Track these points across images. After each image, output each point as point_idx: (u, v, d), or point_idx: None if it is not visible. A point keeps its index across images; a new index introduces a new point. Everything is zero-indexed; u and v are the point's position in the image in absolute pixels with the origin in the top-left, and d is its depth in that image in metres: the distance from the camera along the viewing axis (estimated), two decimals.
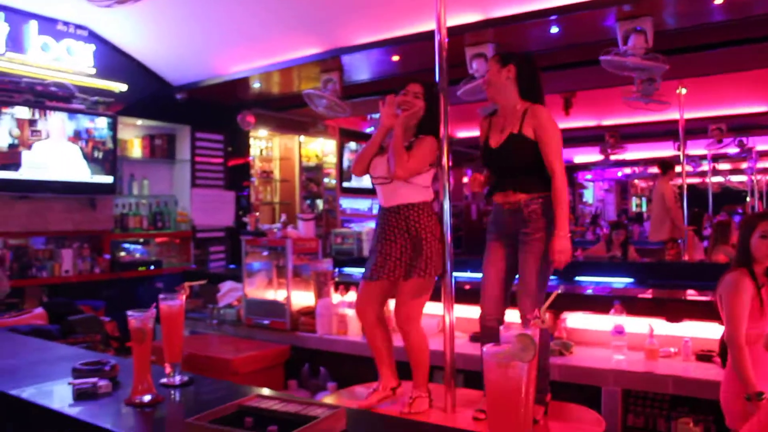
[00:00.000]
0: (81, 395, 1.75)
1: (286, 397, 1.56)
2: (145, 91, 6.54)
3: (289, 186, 8.84)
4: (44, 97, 5.57)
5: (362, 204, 9.79)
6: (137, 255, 6.71)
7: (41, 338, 3.04)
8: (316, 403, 1.54)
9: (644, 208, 16.96)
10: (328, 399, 3.48)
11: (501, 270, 3.08)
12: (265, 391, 1.65)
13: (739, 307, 2.74)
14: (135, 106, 6.45)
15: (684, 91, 6.96)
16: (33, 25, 5.47)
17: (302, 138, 8.82)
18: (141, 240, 6.84)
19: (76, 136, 5.75)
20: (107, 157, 5.99)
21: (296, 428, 1.33)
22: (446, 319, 3.02)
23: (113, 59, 6.20)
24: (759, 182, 12.40)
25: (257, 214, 7.58)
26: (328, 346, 4.74)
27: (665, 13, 4.48)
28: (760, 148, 11.07)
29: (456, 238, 9.81)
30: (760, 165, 12.03)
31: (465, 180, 12.21)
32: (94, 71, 5.95)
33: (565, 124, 8.53)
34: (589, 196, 16.88)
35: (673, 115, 7.17)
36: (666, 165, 7.37)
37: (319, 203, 9.19)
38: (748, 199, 12.88)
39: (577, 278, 5.14)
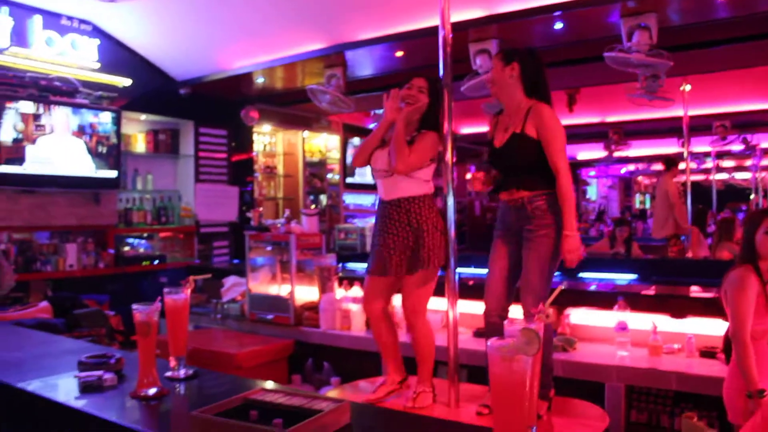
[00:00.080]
0: (86, 388, 1.76)
1: (290, 390, 1.57)
2: (148, 86, 6.54)
3: (293, 181, 8.84)
4: (48, 91, 5.57)
5: (366, 200, 9.79)
6: (141, 250, 6.73)
7: (46, 332, 3.05)
8: (321, 396, 1.54)
9: (648, 205, 16.92)
10: (332, 393, 3.49)
11: (505, 266, 3.08)
12: (270, 385, 1.65)
13: (744, 303, 2.74)
14: (139, 100, 6.46)
15: (688, 87, 6.94)
16: (37, 19, 5.47)
17: (306, 133, 8.82)
18: (145, 235, 6.85)
19: (80, 131, 5.76)
20: (111, 151, 6.00)
21: (301, 421, 1.33)
22: (450, 314, 3.02)
23: (117, 54, 6.20)
24: (763, 179, 12.35)
25: (261, 209, 7.60)
26: (332, 341, 4.75)
27: (670, 10, 4.46)
28: (764, 145, 11.03)
29: (459, 234, 9.81)
30: (765, 162, 11.98)
31: (468, 176, 12.20)
32: (98, 66, 5.95)
33: (568, 120, 8.53)
34: (592, 192, 16.85)
35: (677, 111, 7.15)
36: (670, 162, 7.35)
37: (323, 199, 9.19)
38: (752, 196, 12.83)
39: (581, 274, 5.14)
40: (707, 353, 3.71)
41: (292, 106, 7.99)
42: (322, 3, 5.15)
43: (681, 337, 3.86)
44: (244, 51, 6.09)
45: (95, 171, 5.87)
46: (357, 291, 4.84)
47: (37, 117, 5.43)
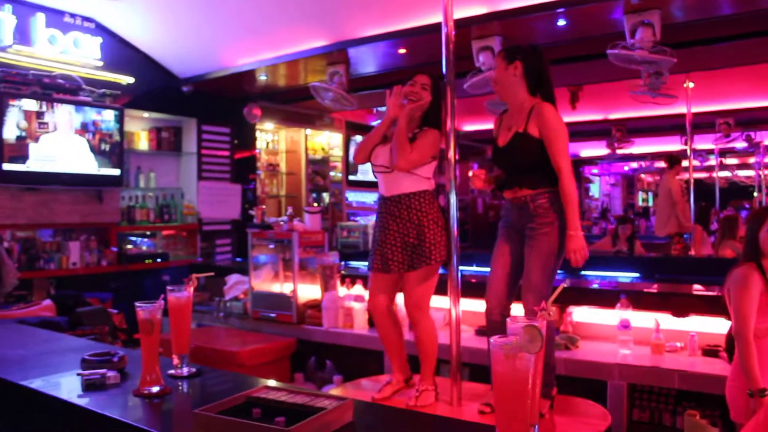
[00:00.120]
0: (90, 386, 1.76)
1: (293, 388, 1.57)
2: (151, 84, 6.55)
3: (296, 179, 8.85)
4: (51, 89, 5.58)
5: (368, 197, 9.79)
6: (144, 248, 6.74)
7: (50, 330, 3.05)
8: (324, 394, 1.54)
9: (650, 203, 16.90)
10: (335, 392, 3.49)
11: (507, 264, 3.07)
12: (273, 383, 1.65)
13: (748, 301, 2.73)
14: (142, 98, 6.47)
15: (691, 84, 6.92)
16: (40, 17, 5.48)
17: (308, 131, 8.82)
18: (148, 233, 6.86)
19: (83, 129, 5.76)
20: (114, 149, 6.01)
21: (303, 419, 1.33)
22: (452, 312, 3.02)
23: (120, 52, 6.21)
24: (766, 177, 12.32)
25: (263, 207, 7.59)
26: (335, 339, 4.75)
27: (673, 6, 4.45)
28: None
29: (462, 231, 9.81)
30: None
31: (470, 174, 12.17)
32: (101, 64, 5.96)
33: (571, 118, 8.51)
34: (595, 190, 16.84)
35: (680, 109, 7.13)
36: (673, 159, 7.34)
37: (326, 196, 9.20)
38: (755, 193, 12.81)
39: (583, 272, 5.14)
40: (710, 351, 3.70)
41: (294, 104, 7.99)
42: (325, 0, 5.15)
43: (683, 335, 3.85)
44: (247, 48, 6.09)
45: (98, 169, 5.88)
46: (359, 289, 4.85)
47: (40, 115, 5.44)
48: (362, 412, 1.54)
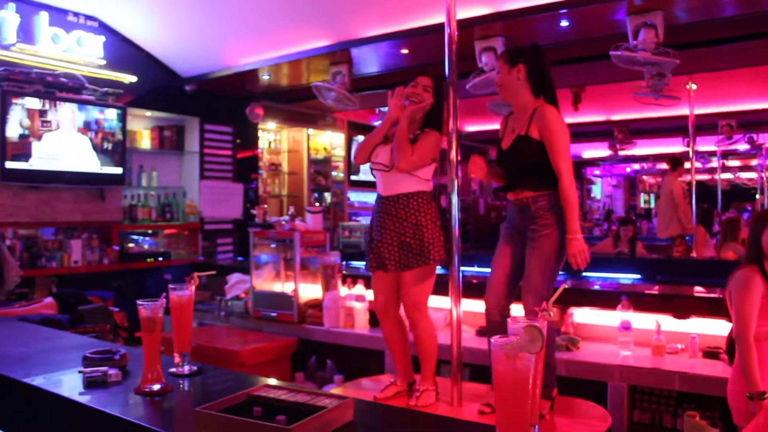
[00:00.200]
0: (91, 383, 1.76)
1: (294, 387, 1.57)
2: (154, 83, 6.56)
3: (298, 179, 8.85)
4: (54, 88, 5.59)
5: (370, 197, 9.78)
6: (146, 246, 6.75)
7: (51, 327, 3.06)
8: (324, 393, 1.55)
9: (652, 204, 16.89)
10: (335, 391, 3.49)
11: (507, 265, 3.07)
12: (274, 382, 1.66)
13: (749, 304, 2.73)
14: (144, 97, 6.47)
15: (694, 86, 6.91)
16: (44, 16, 5.49)
17: (311, 131, 8.83)
18: (149, 231, 6.87)
19: (86, 127, 5.77)
20: (116, 148, 6.02)
21: (304, 418, 1.34)
22: (453, 313, 3.02)
23: (123, 50, 6.22)
24: None
25: (265, 206, 7.61)
26: (335, 338, 4.76)
27: (676, 8, 4.45)
28: None
29: (464, 232, 9.81)
30: None
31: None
32: (104, 62, 5.97)
33: (573, 119, 8.51)
34: (597, 191, 16.82)
35: (682, 110, 7.12)
36: (675, 161, 7.33)
37: (327, 196, 9.20)
38: (757, 196, 12.79)
39: (585, 274, 5.13)
40: (710, 353, 3.70)
41: (297, 103, 8.00)
42: (327, 0, 5.15)
43: (684, 337, 3.85)
44: (250, 48, 6.10)
45: (100, 167, 5.88)
46: (361, 289, 4.85)
47: (43, 113, 5.45)
48: (363, 411, 1.54)
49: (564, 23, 4.76)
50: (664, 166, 9.93)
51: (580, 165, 14.64)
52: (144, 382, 1.72)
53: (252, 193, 7.74)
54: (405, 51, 5.64)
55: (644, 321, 3.96)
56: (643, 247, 7.08)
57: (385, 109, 3.22)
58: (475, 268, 5.58)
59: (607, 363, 3.67)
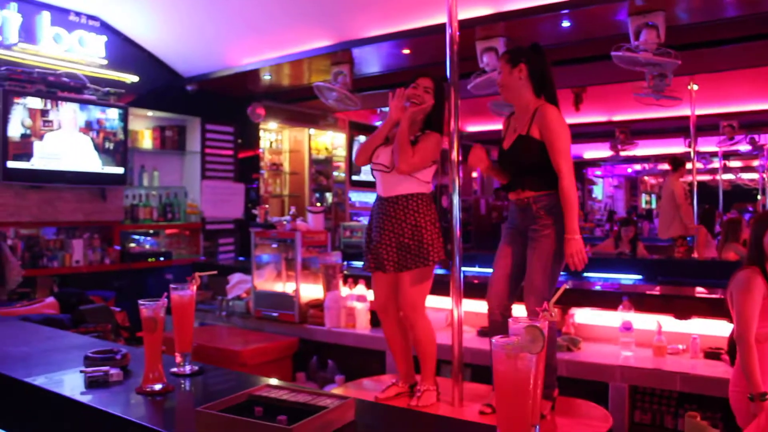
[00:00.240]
0: (93, 383, 1.76)
1: (295, 387, 1.57)
2: (156, 83, 6.56)
3: (299, 179, 8.85)
4: (56, 87, 5.60)
5: (371, 197, 9.72)
6: (147, 246, 6.75)
7: (53, 327, 3.06)
8: (325, 393, 1.55)
9: (654, 205, 16.87)
10: (336, 391, 3.49)
11: (509, 265, 3.08)
12: (275, 382, 1.66)
13: (750, 305, 2.73)
14: (146, 97, 6.48)
15: (695, 87, 6.91)
16: (45, 15, 5.49)
17: (312, 131, 8.83)
18: (151, 231, 6.87)
19: (88, 127, 5.78)
20: (118, 148, 6.02)
21: (305, 418, 1.34)
22: (455, 313, 3.02)
23: (125, 50, 6.23)
24: None
25: (267, 206, 7.61)
26: (337, 338, 4.76)
27: (677, 8, 4.45)
28: None
29: (465, 232, 9.81)
30: None
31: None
32: (105, 62, 5.98)
33: (575, 119, 8.51)
34: (598, 192, 16.82)
35: (684, 111, 7.13)
36: (677, 162, 7.32)
37: (329, 196, 9.20)
38: (759, 197, 12.79)
39: (586, 274, 5.13)
40: (712, 354, 3.70)
41: (298, 103, 8.00)
42: (329, 0, 5.15)
43: (686, 337, 3.85)
44: (251, 48, 6.10)
45: (102, 167, 5.89)
46: (362, 289, 4.85)
47: (44, 113, 5.45)
48: (364, 411, 1.54)
49: (565, 24, 4.76)
50: (665, 166, 9.94)
51: (582, 165, 14.64)
52: (145, 382, 1.72)
53: (253, 193, 7.75)
54: (406, 51, 5.65)
55: (645, 322, 3.96)
56: (645, 247, 7.08)
57: (387, 109, 3.21)
58: (477, 269, 5.57)
59: (608, 363, 3.67)
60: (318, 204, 8.68)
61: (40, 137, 5.43)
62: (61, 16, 5.65)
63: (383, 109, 8.71)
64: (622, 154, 11.16)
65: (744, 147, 10.15)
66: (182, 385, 1.82)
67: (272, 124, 8.41)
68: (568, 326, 4.21)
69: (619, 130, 10.33)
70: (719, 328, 3.74)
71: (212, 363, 2.33)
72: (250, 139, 7.75)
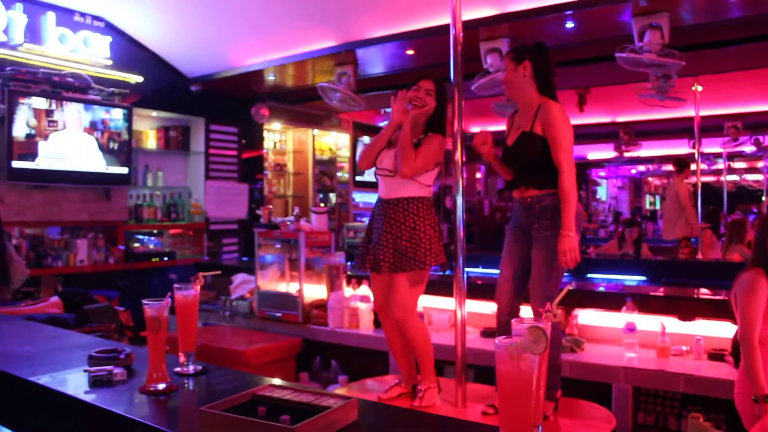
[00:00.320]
0: (96, 382, 1.77)
1: (298, 387, 1.58)
2: (160, 83, 6.58)
3: (303, 179, 8.86)
4: (61, 88, 5.62)
5: (375, 198, 9.72)
6: (151, 246, 6.77)
7: (57, 326, 3.07)
8: (329, 393, 1.55)
9: (658, 206, 16.83)
10: (340, 391, 3.50)
11: (515, 265, 3.07)
12: (278, 382, 1.66)
13: (754, 307, 2.72)
14: (150, 97, 6.50)
15: (700, 88, 6.90)
16: (51, 16, 5.51)
17: (316, 131, 8.83)
18: (155, 231, 6.89)
19: (92, 127, 5.80)
20: (122, 148, 6.04)
21: (308, 418, 1.34)
22: (458, 314, 3.02)
23: (129, 51, 6.24)
24: None
25: (270, 206, 7.60)
26: (340, 339, 4.76)
27: (682, 9, 4.44)
28: None
29: (468, 233, 9.80)
30: None
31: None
32: (110, 62, 5.99)
33: (579, 120, 8.50)
34: (602, 193, 16.78)
35: (688, 112, 7.11)
36: (681, 163, 7.31)
37: (332, 197, 9.20)
38: (763, 198, 12.74)
39: (590, 275, 5.13)
40: (715, 356, 3.69)
41: (302, 104, 8.01)
42: (333, 1, 5.16)
43: (689, 339, 3.84)
44: (256, 48, 6.11)
45: (106, 167, 5.91)
46: (365, 289, 4.86)
47: (49, 113, 5.47)
48: (367, 411, 1.55)
49: (569, 24, 4.76)
50: (669, 167, 9.91)
51: (585, 166, 14.61)
52: (149, 382, 1.72)
53: (257, 194, 7.76)
54: (410, 52, 5.65)
55: (649, 323, 3.95)
56: (649, 248, 7.07)
57: (390, 110, 3.21)
58: (480, 269, 5.58)
59: (611, 365, 3.66)
60: (322, 204, 8.68)
61: (45, 137, 5.45)
62: (66, 16, 5.67)
63: (387, 109, 8.67)
64: (626, 155, 11.13)
65: (748, 148, 10.11)
66: (186, 385, 1.82)
67: (276, 125, 8.42)
68: (571, 327, 4.21)
69: (623, 131, 10.30)
70: (723, 330, 3.74)
71: (216, 363, 2.34)
72: (254, 139, 7.76)
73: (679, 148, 10.84)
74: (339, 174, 9.28)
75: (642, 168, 15.16)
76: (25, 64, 5.38)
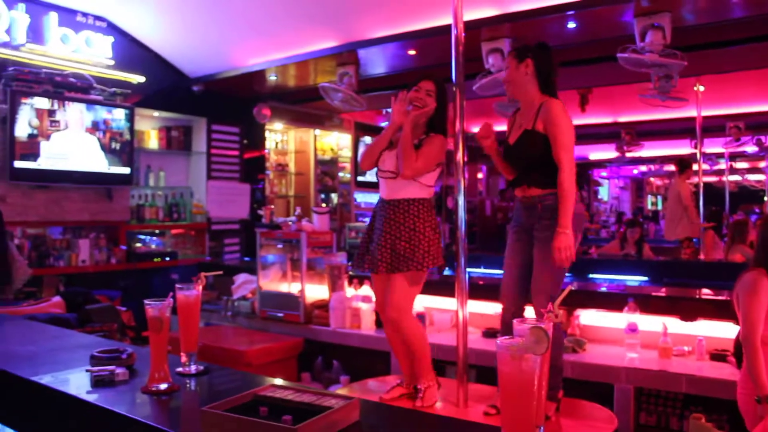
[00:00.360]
0: (98, 382, 1.77)
1: (300, 387, 1.58)
2: (162, 83, 6.59)
3: (304, 179, 8.86)
4: (63, 88, 5.62)
5: (377, 198, 9.75)
6: (153, 246, 6.77)
7: (59, 326, 3.07)
8: (330, 393, 1.55)
9: (660, 206, 16.81)
10: (341, 392, 3.50)
11: (518, 265, 3.07)
12: (280, 382, 1.66)
13: (756, 307, 2.72)
14: (152, 97, 6.50)
15: (702, 88, 6.89)
16: (53, 16, 5.52)
17: (318, 131, 8.84)
18: (157, 231, 6.89)
19: (94, 127, 5.80)
20: (124, 148, 6.05)
21: (310, 418, 1.34)
22: (459, 314, 3.02)
23: (131, 51, 6.25)
24: None
25: (272, 206, 7.61)
26: (342, 339, 4.76)
27: (683, 9, 4.44)
28: None
29: (470, 233, 9.80)
30: None
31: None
32: (112, 63, 6.00)
33: (580, 120, 8.49)
34: (604, 193, 16.77)
35: (690, 112, 7.10)
36: (683, 163, 7.30)
37: (334, 197, 9.21)
38: (765, 198, 12.73)
39: (591, 275, 5.12)
40: (718, 356, 3.69)
41: (304, 104, 8.01)
42: (335, 1, 5.16)
43: (691, 339, 3.84)
44: (257, 48, 6.11)
45: (108, 167, 5.91)
46: (367, 290, 4.85)
47: (51, 113, 5.48)
48: (368, 411, 1.55)
49: (571, 25, 4.76)
50: (671, 167, 9.90)
51: (587, 166, 14.60)
52: (151, 382, 1.72)
53: (259, 194, 7.76)
54: (412, 52, 5.65)
55: (651, 323, 3.95)
56: (650, 249, 7.06)
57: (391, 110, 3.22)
58: (482, 270, 5.58)
59: (613, 365, 3.66)
60: (323, 205, 8.68)
61: (47, 137, 5.45)
62: (68, 16, 5.68)
63: (389, 110, 8.66)
64: (628, 155, 11.12)
65: (750, 148, 10.10)
66: (187, 385, 1.83)
67: (278, 125, 8.42)
68: (573, 327, 4.20)
69: (624, 131, 10.29)
70: (725, 330, 3.73)
71: (217, 363, 2.34)
72: (255, 139, 7.76)
73: (681, 148, 10.83)
74: (341, 174, 9.28)
75: (644, 168, 15.14)
76: (28, 64, 5.39)
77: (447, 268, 4.90)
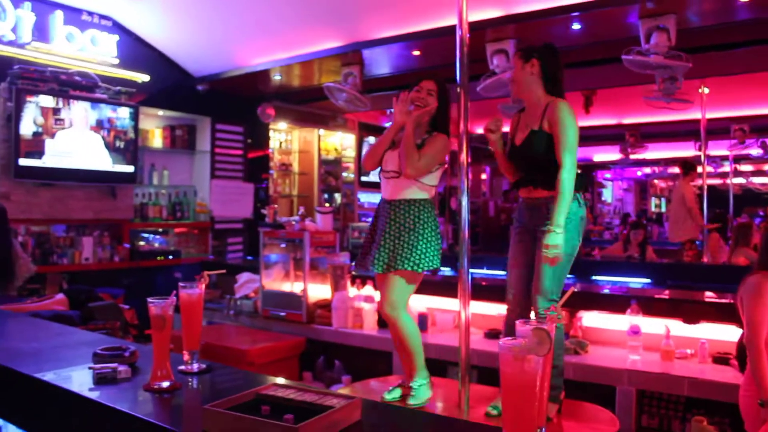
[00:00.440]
0: (101, 380, 1.77)
1: (302, 386, 1.58)
2: (166, 82, 6.59)
3: (308, 179, 8.87)
4: (68, 86, 5.63)
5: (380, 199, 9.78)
6: (156, 244, 6.78)
7: (62, 323, 3.08)
8: (332, 393, 1.55)
9: (663, 209, 16.77)
10: (343, 391, 3.50)
11: (522, 265, 3.07)
12: (282, 381, 1.66)
13: (760, 310, 2.71)
14: (157, 96, 6.51)
15: (706, 90, 6.87)
16: (58, 15, 5.54)
17: (322, 131, 8.84)
18: (160, 230, 6.90)
19: (99, 126, 5.81)
20: (128, 146, 6.06)
21: (312, 417, 1.34)
22: (462, 315, 3.02)
23: (136, 50, 6.26)
24: None
25: (275, 206, 7.63)
26: (344, 339, 4.76)
27: (689, 11, 4.43)
28: None
29: (473, 234, 9.79)
30: None
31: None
32: (117, 61, 6.01)
33: (585, 122, 8.47)
34: (608, 195, 16.75)
35: (694, 114, 7.08)
36: (688, 166, 7.29)
37: (337, 197, 9.21)
38: None
39: (594, 277, 5.12)
40: (720, 359, 3.68)
41: (308, 104, 8.02)
42: (340, 1, 5.16)
43: (694, 342, 3.83)
44: (262, 48, 6.12)
45: (112, 165, 5.92)
46: (369, 290, 4.86)
47: (56, 111, 5.49)
48: (370, 411, 1.55)
49: (576, 26, 4.75)
50: (675, 170, 9.88)
51: (591, 168, 14.58)
52: (153, 380, 1.73)
53: (262, 193, 7.77)
54: (417, 53, 5.65)
55: (654, 325, 3.94)
56: (654, 251, 7.05)
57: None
58: (485, 270, 5.57)
59: (615, 367, 3.65)
60: (327, 204, 8.69)
61: (52, 135, 5.47)
62: (73, 15, 5.69)
63: (392, 110, 8.69)
64: (632, 157, 11.10)
65: (755, 151, 10.06)
66: (190, 383, 1.83)
67: (282, 125, 8.43)
68: (575, 329, 4.20)
69: (629, 133, 10.27)
70: (728, 333, 3.72)
71: (220, 361, 2.34)
72: (259, 139, 7.77)
73: (686, 150, 10.81)
74: (344, 174, 9.29)
75: (648, 170, 15.10)
76: (33, 63, 5.40)
77: (449, 269, 4.91)
